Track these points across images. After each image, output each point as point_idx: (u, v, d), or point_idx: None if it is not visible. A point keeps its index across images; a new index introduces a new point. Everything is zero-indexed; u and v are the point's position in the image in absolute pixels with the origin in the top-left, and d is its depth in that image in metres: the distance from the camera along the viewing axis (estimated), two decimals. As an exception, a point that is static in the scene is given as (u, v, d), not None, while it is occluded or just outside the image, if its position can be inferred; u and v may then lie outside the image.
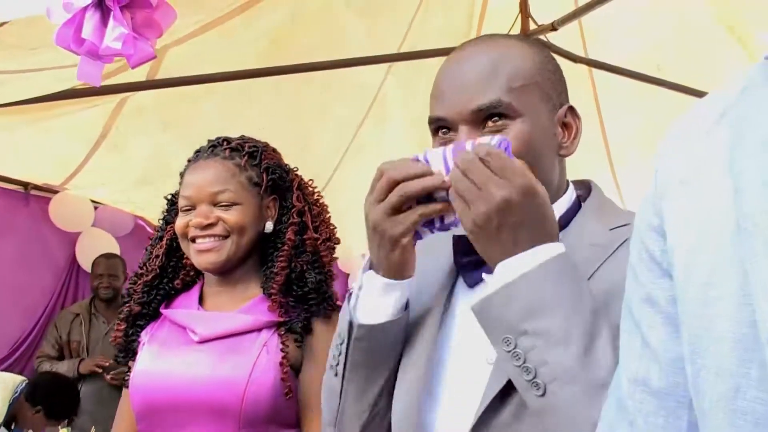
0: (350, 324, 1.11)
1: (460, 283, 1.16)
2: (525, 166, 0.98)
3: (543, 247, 0.97)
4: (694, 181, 0.66)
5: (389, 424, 1.16)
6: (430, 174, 1.03)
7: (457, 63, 1.12)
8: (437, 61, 1.18)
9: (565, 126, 1.14)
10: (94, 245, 4.98)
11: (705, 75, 3.78)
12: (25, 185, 4.83)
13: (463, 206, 0.98)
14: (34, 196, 4.91)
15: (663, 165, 0.71)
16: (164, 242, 1.82)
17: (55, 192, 4.87)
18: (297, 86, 3.85)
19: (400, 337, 1.14)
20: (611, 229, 1.08)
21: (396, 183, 1.03)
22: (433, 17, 3.96)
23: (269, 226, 1.75)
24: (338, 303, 1.76)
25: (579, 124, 1.15)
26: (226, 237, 1.68)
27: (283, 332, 1.66)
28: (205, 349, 1.65)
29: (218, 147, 1.75)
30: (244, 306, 1.71)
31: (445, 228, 1.08)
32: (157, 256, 1.81)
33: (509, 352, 0.94)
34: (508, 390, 1.00)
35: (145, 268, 1.82)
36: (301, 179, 1.84)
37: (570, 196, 1.16)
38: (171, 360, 1.67)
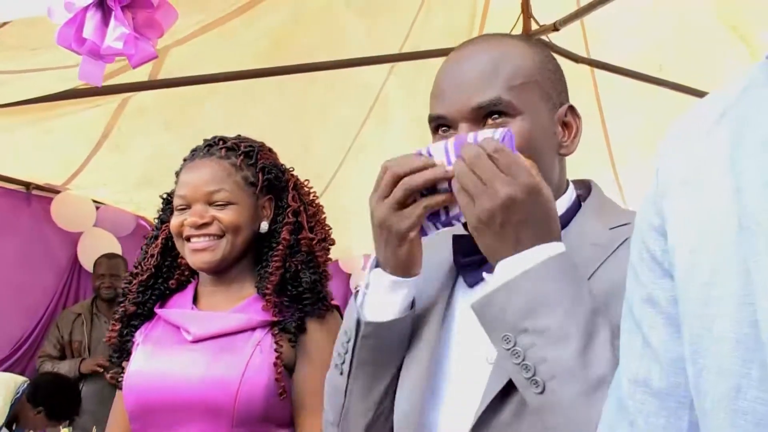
0: (358, 322, 1.10)
1: (460, 283, 1.16)
2: (533, 165, 0.99)
3: (544, 246, 0.97)
4: (695, 181, 0.66)
5: (393, 423, 1.16)
6: (433, 166, 1.03)
7: (457, 62, 1.12)
8: (439, 62, 1.17)
9: (565, 125, 1.14)
10: (95, 245, 4.99)
11: (707, 75, 3.78)
12: (27, 185, 4.83)
13: (468, 201, 0.98)
14: (35, 196, 4.91)
15: (664, 165, 0.71)
16: (159, 241, 1.82)
17: (57, 192, 4.88)
18: (299, 86, 3.85)
19: (406, 335, 1.14)
20: (611, 229, 1.08)
21: (399, 178, 1.04)
22: (435, 17, 3.96)
23: (264, 225, 1.75)
24: (333, 303, 1.76)
25: (579, 124, 1.15)
26: (221, 236, 1.68)
27: (276, 332, 1.66)
28: (199, 348, 1.65)
29: (214, 146, 1.75)
30: (239, 305, 1.71)
31: (449, 222, 1.08)
32: (152, 256, 1.81)
33: (509, 350, 0.94)
34: (508, 389, 1.00)
35: (140, 267, 1.82)
36: (297, 179, 1.84)
37: (570, 195, 1.16)
38: (164, 360, 1.66)
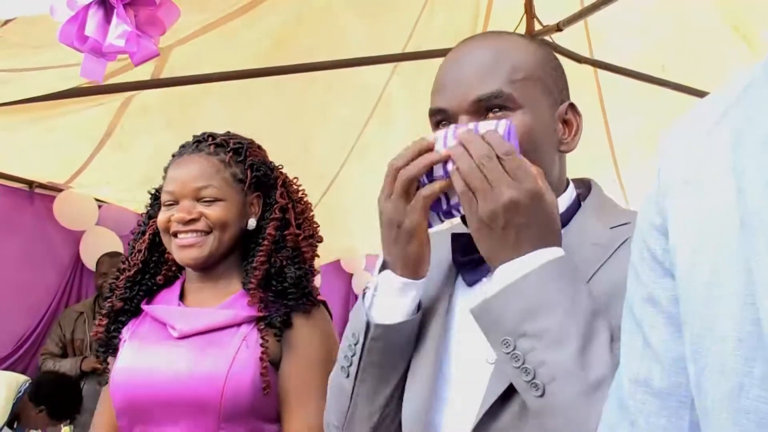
0: (367, 324, 1.10)
1: (460, 282, 1.16)
2: (540, 173, 0.99)
3: (544, 250, 0.97)
4: (697, 181, 0.66)
5: (397, 427, 1.16)
6: (428, 151, 1.03)
7: (458, 57, 1.12)
8: (441, 62, 1.17)
9: (565, 122, 1.14)
10: (98, 244, 4.99)
11: (710, 75, 3.78)
12: (30, 183, 4.84)
13: (471, 201, 0.98)
14: (38, 195, 4.92)
15: (665, 164, 0.71)
16: (147, 237, 1.81)
17: (60, 190, 4.89)
18: (301, 86, 3.85)
19: (413, 336, 1.14)
20: (611, 228, 1.08)
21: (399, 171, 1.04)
22: (438, 17, 3.96)
23: (252, 222, 1.74)
24: (319, 298, 1.76)
25: (580, 121, 1.15)
26: (208, 233, 1.67)
27: (262, 327, 1.65)
28: (185, 344, 1.64)
29: (203, 142, 1.75)
30: (225, 302, 1.70)
31: (450, 211, 1.08)
32: (139, 251, 1.80)
33: (508, 353, 0.94)
34: (508, 393, 1.00)
35: (127, 263, 1.81)
36: (286, 177, 1.83)
37: (570, 194, 1.16)
38: (151, 356, 1.66)
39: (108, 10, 1.46)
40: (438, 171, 1.03)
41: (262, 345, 1.62)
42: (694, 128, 0.70)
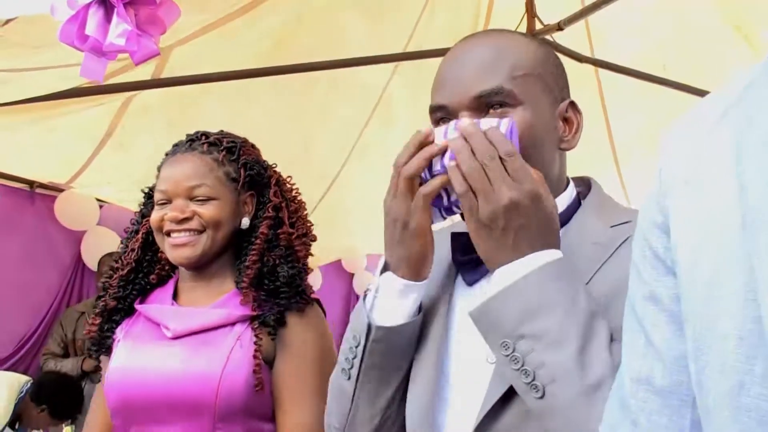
0: (368, 326, 1.10)
1: (459, 281, 1.16)
2: (540, 177, 0.99)
3: (542, 253, 0.97)
4: (698, 180, 0.66)
5: (398, 429, 1.15)
6: (427, 143, 1.03)
7: (459, 54, 1.12)
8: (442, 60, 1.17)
9: (566, 120, 1.14)
10: (99, 244, 5.00)
11: (711, 74, 3.78)
12: (31, 184, 4.84)
13: (471, 201, 0.98)
14: (39, 195, 4.93)
15: (666, 163, 0.71)
16: (140, 236, 1.80)
17: (61, 190, 4.89)
18: (302, 86, 3.85)
19: (414, 338, 1.13)
20: (612, 227, 1.08)
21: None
22: (439, 17, 3.96)
23: (246, 221, 1.74)
24: (313, 296, 1.75)
25: (580, 119, 1.15)
26: (201, 232, 1.67)
27: (256, 326, 1.65)
28: (179, 344, 1.64)
29: (196, 141, 1.74)
30: (219, 301, 1.70)
31: (450, 208, 1.07)
32: (132, 250, 1.80)
33: (508, 356, 0.94)
34: (509, 394, 1.00)
35: (120, 261, 1.81)
36: (280, 175, 1.83)
37: (570, 193, 1.15)
38: (145, 356, 1.65)
39: (108, 10, 1.47)
40: (436, 165, 1.03)
41: (255, 343, 1.62)
42: (694, 128, 0.70)
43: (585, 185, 1.19)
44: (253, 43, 3.54)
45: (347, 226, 5.23)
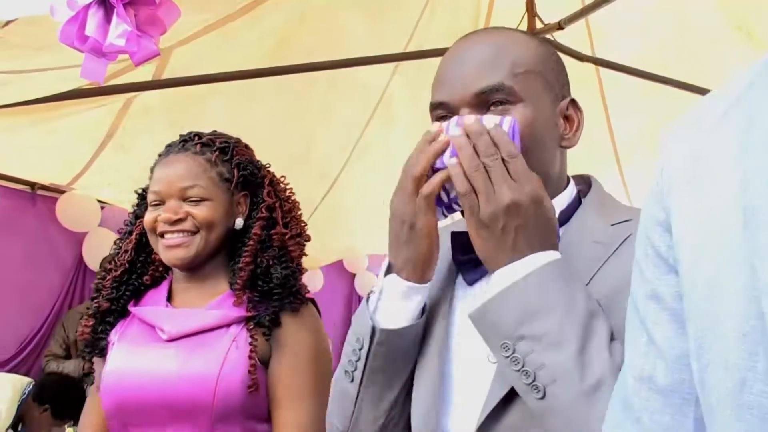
0: (372, 329, 1.09)
1: (459, 281, 1.16)
2: (539, 180, 0.99)
3: (540, 254, 0.97)
4: (699, 178, 0.66)
5: (402, 430, 1.15)
6: (431, 142, 1.04)
7: (459, 51, 1.12)
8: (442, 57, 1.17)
9: (566, 118, 1.14)
10: (101, 245, 4.98)
11: (712, 73, 3.77)
12: (32, 185, 4.85)
13: (472, 201, 0.98)
14: (40, 196, 4.93)
15: (668, 162, 0.71)
16: (133, 237, 1.80)
17: (62, 192, 4.89)
18: (303, 86, 3.85)
19: (418, 340, 1.13)
20: (613, 225, 1.08)
21: None
22: (440, 17, 3.96)
23: (239, 222, 1.73)
24: (308, 296, 1.75)
25: (581, 117, 1.15)
26: (194, 233, 1.66)
27: (251, 326, 1.64)
28: (174, 346, 1.63)
29: (189, 142, 1.74)
30: (213, 302, 1.69)
31: (450, 206, 1.07)
32: (126, 251, 1.79)
33: (508, 357, 0.94)
34: (511, 395, 1.00)
35: (114, 263, 1.80)
36: (273, 176, 1.82)
37: (571, 191, 1.15)
38: (140, 358, 1.64)
39: (108, 10, 1.46)
40: (437, 163, 1.03)
41: (251, 343, 1.61)
42: (695, 127, 0.70)
43: (585, 183, 1.19)
44: (254, 44, 3.54)
45: (348, 226, 5.22)
